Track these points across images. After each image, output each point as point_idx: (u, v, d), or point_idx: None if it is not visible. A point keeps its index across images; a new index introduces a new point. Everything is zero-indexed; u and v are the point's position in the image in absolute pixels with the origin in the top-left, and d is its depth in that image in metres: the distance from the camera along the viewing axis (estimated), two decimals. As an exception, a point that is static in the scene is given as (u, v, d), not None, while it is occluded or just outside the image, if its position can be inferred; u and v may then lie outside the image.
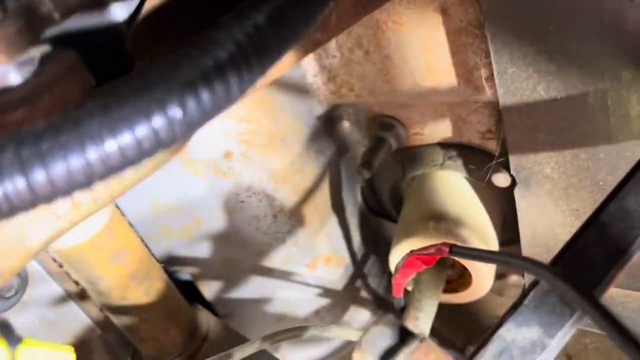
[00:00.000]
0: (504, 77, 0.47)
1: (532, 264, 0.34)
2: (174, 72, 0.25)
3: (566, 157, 0.49)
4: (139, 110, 0.23)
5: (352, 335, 0.56)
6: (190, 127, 0.25)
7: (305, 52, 0.38)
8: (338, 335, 0.57)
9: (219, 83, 0.25)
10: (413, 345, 0.30)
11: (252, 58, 0.26)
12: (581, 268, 0.34)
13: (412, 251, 0.53)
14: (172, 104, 0.24)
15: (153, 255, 0.62)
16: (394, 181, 0.72)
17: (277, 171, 0.62)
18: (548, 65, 0.45)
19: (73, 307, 0.58)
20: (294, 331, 0.54)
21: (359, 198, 0.77)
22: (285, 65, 0.37)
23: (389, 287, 0.83)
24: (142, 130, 0.23)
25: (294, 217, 0.65)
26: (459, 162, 0.66)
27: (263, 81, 0.37)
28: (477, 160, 0.65)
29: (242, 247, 0.64)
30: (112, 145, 0.23)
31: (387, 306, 0.80)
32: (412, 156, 0.69)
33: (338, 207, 0.71)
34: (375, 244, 0.81)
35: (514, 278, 0.74)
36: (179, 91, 0.24)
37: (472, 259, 0.45)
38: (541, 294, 0.33)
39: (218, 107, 0.26)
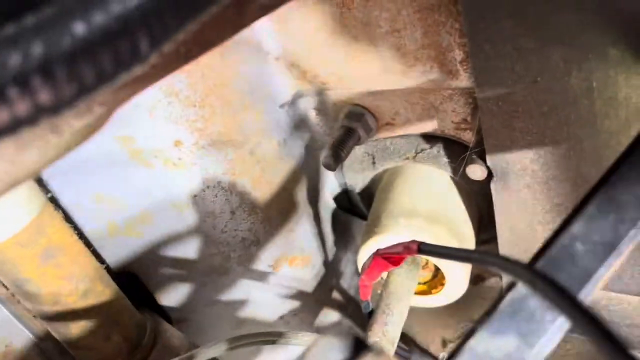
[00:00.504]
0: (479, 55, 0.43)
1: (507, 263, 0.30)
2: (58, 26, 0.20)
3: (547, 146, 0.45)
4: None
5: None
6: (81, 91, 0.20)
7: (250, 17, 0.33)
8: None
9: (123, 39, 0.20)
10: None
11: (164, 9, 0.21)
12: (564, 267, 0.29)
13: (378, 250, 0.48)
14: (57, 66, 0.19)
15: (96, 254, 0.56)
16: (363, 175, 0.67)
17: (235, 162, 0.56)
18: (527, 42, 0.40)
19: (3, 313, 0.51)
20: (264, 336, 0.49)
21: (328, 193, 0.72)
22: (225, 30, 0.32)
23: (360, 289, 0.78)
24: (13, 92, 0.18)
25: (254, 214, 0.60)
26: (432, 155, 0.61)
27: (197, 47, 0.31)
28: (452, 153, 0.60)
29: (196, 246, 0.59)
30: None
31: (358, 309, 0.75)
32: (382, 148, 0.64)
33: (305, 203, 0.66)
34: (346, 243, 0.76)
35: (492, 281, 0.70)
36: (64, 54, 0.19)
37: (443, 258, 0.41)
38: (519, 297, 0.29)
39: (120, 69, 0.21)
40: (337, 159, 0.59)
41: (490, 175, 0.50)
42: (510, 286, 0.29)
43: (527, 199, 0.49)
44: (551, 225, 0.49)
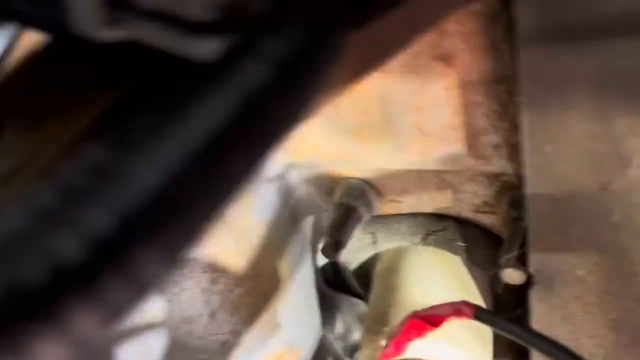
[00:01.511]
0: (538, 155, 0.35)
1: None
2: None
3: (609, 259, 0.37)
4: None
5: None
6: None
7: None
8: None
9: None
10: None
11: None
12: None
13: (415, 312, 0.43)
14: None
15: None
16: (361, 254, 0.58)
17: (217, 256, 0.46)
18: (603, 145, 0.33)
19: None
20: None
21: (316, 271, 0.62)
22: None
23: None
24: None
25: (238, 313, 0.50)
26: (446, 238, 0.53)
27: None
28: (470, 236, 0.52)
29: (168, 356, 0.48)
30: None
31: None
32: (386, 226, 0.56)
33: (293, 291, 0.56)
34: (332, 323, 0.67)
35: None
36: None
37: (517, 340, 0.35)
38: None
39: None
40: (337, 247, 0.50)
41: (528, 280, 0.42)
42: None
43: (575, 311, 0.41)
44: (601, 339, 0.42)
